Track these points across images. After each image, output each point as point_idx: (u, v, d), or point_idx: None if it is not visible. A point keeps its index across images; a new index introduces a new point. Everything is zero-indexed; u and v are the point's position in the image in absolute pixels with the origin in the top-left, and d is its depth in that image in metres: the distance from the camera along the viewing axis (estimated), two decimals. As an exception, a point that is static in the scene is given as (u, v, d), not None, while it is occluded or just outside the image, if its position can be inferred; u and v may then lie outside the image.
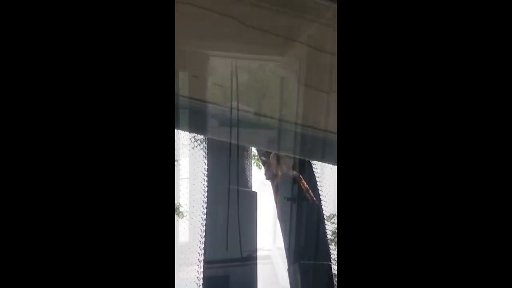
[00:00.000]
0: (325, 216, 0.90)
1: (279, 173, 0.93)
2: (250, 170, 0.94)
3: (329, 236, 0.89)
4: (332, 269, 0.93)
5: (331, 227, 0.88)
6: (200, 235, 0.92)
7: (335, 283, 0.84)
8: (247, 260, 1.05)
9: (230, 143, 0.84)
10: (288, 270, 1.27)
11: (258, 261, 1.12)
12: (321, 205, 0.92)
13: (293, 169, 0.92)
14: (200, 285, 0.87)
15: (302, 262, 1.16)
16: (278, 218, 1.02)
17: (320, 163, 0.91)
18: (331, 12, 0.71)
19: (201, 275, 0.91)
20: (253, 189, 0.97)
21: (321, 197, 0.92)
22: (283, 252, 1.16)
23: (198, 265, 0.90)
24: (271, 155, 0.94)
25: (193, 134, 0.85)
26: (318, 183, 0.93)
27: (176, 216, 0.88)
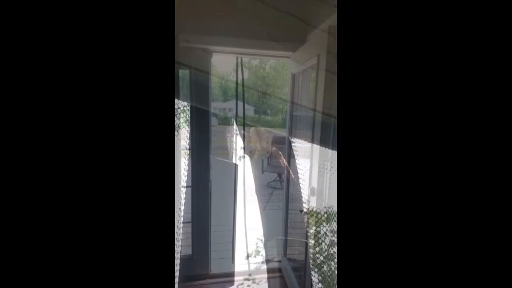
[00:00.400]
0: (302, 193, 0.89)
1: (259, 147, 0.91)
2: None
3: (305, 213, 0.88)
4: (308, 246, 0.93)
5: (308, 204, 0.87)
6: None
7: (311, 259, 0.85)
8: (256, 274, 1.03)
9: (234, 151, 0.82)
10: (265, 245, 1.29)
11: (268, 274, 1.11)
12: (299, 183, 0.90)
13: (273, 145, 0.90)
14: None
15: (278, 238, 1.17)
16: (256, 193, 1.03)
17: (299, 140, 0.88)
18: None
19: None
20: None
21: (299, 175, 0.90)
22: (293, 264, 1.15)
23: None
24: (251, 130, 0.92)
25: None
26: (296, 160, 0.91)
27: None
